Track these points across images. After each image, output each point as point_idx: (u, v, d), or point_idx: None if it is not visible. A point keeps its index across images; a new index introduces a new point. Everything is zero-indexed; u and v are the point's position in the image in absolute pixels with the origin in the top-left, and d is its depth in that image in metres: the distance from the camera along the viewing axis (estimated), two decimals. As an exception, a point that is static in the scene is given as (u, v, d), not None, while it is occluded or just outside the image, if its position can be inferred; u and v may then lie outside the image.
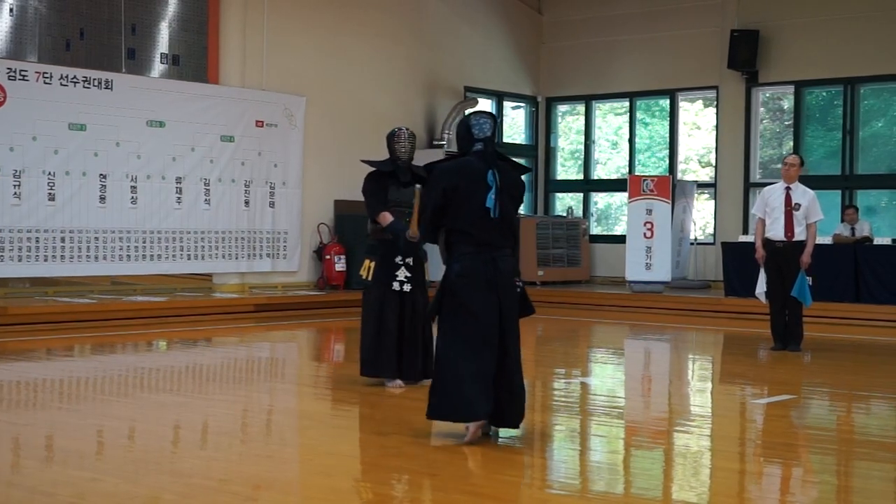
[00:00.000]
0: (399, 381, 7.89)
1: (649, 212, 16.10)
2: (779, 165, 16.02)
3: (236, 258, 14.43)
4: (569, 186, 19.58)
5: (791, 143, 17.00)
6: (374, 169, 8.13)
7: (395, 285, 7.89)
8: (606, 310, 15.31)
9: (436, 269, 7.46)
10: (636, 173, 17.88)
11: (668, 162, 18.38)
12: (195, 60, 14.38)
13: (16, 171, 12.28)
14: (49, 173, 12.54)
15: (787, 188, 10.56)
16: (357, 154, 15.21)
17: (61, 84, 12.60)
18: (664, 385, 9.32)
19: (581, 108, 19.39)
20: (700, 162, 18.75)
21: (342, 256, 15.12)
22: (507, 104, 19.17)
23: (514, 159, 6.43)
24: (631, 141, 18.74)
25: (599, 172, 19.42)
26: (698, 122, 18.70)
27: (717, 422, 7.36)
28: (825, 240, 13.84)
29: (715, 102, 17.77)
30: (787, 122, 17.48)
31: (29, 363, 9.53)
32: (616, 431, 6.77)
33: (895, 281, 13.82)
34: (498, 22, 18.62)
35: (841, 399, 8.27)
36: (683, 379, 9.86)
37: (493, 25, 18.54)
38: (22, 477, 5.33)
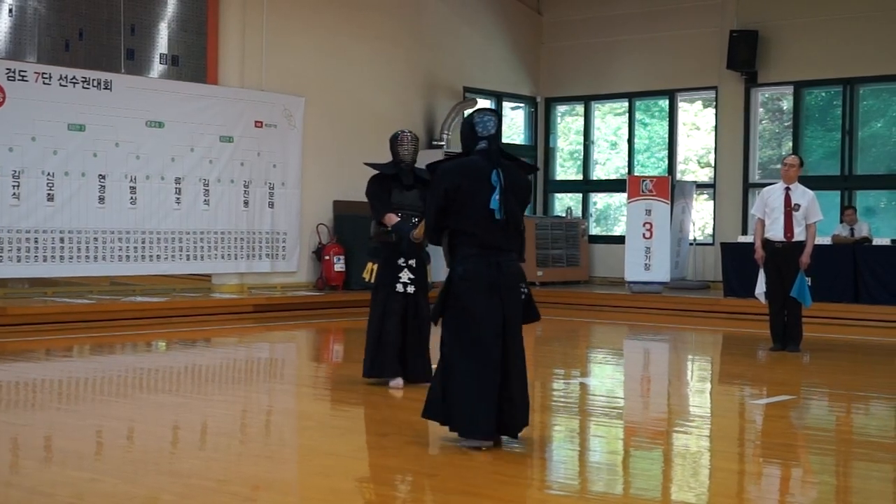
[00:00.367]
0: (400, 381, 7.90)
1: (648, 212, 16.10)
2: (778, 166, 16.02)
3: (235, 258, 14.43)
4: (568, 187, 19.58)
5: (790, 144, 17.00)
6: (377, 172, 8.12)
7: (399, 287, 7.88)
8: (605, 310, 15.31)
9: (438, 271, 7.47)
10: (635, 174, 17.88)
11: (667, 162, 18.38)
12: (194, 61, 14.38)
13: (15, 171, 12.27)
14: (48, 174, 12.54)
15: (787, 189, 10.56)
16: (356, 154, 15.27)
17: (60, 84, 12.59)
18: (663, 385, 9.32)
19: (580, 108, 19.39)
20: (699, 162, 18.75)
21: (341, 257, 15.12)
22: (507, 104, 19.17)
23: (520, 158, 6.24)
24: (630, 141, 18.74)
25: (598, 173, 19.42)
26: (697, 122, 18.71)
27: (716, 422, 7.36)
28: (824, 240, 13.84)
29: (714, 103, 17.77)
30: (786, 123, 17.48)
31: (28, 364, 9.53)
32: (615, 432, 6.78)
33: (894, 281, 13.83)
34: (497, 22, 18.62)
35: (840, 399, 8.28)
36: (682, 379, 9.86)
37: (493, 26, 18.55)
38: (21, 477, 5.33)
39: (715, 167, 17.80)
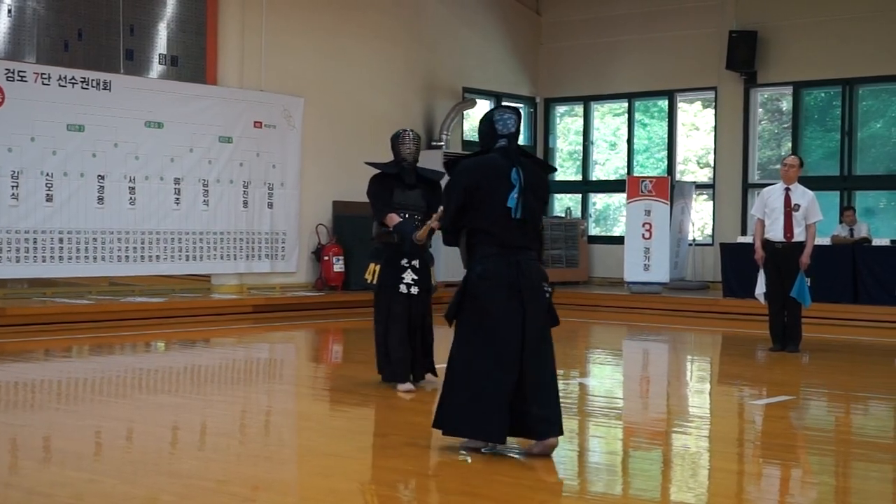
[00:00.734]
0: (409, 385, 7.79)
1: (648, 213, 16.10)
2: (777, 166, 16.02)
3: (234, 259, 14.42)
4: (567, 187, 19.58)
5: (789, 144, 17.00)
6: (378, 171, 8.02)
7: (402, 288, 7.76)
8: (604, 311, 15.31)
9: (440, 271, 7.46)
10: (635, 174, 17.89)
11: (666, 163, 18.39)
12: (193, 61, 14.37)
13: (14, 171, 12.26)
14: (47, 174, 12.53)
15: (787, 189, 10.56)
16: (355, 155, 15.26)
17: (60, 85, 12.59)
18: (662, 386, 9.32)
19: (579, 108, 19.39)
20: (698, 163, 18.75)
21: (340, 257, 15.11)
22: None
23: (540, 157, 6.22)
24: (629, 142, 18.74)
25: (598, 173, 19.42)
26: (697, 122, 18.71)
27: (716, 423, 7.36)
28: (823, 241, 13.84)
29: (713, 103, 17.77)
30: (785, 123, 17.48)
31: (27, 364, 9.52)
32: (614, 432, 6.77)
33: (893, 282, 13.83)
34: (496, 23, 18.62)
35: (839, 400, 8.27)
36: (682, 380, 9.86)
37: (492, 26, 18.54)
38: (20, 478, 5.33)
39: (714, 167, 17.81)
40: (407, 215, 7.80)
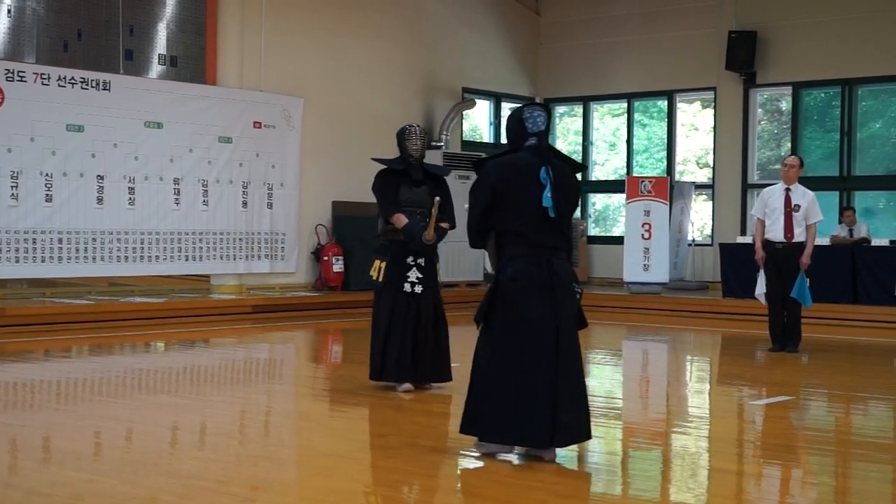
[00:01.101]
0: (408, 385, 7.70)
1: (647, 213, 16.10)
2: (777, 166, 16.04)
3: (234, 259, 14.42)
4: (567, 187, 19.54)
5: (789, 145, 17.01)
6: (384, 167, 7.90)
7: (407, 286, 7.65)
8: (604, 311, 15.30)
9: (445, 270, 7.41)
10: (634, 174, 17.89)
11: (665, 163, 18.39)
12: (193, 62, 14.37)
13: (13, 172, 12.26)
14: (46, 174, 12.53)
15: (787, 189, 10.56)
16: (355, 155, 15.28)
17: (59, 85, 12.59)
18: (662, 386, 9.32)
19: (579, 109, 19.40)
20: (698, 163, 18.76)
21: (340, 257, 15.11)
22: (505, 105, 19.17)
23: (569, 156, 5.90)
24: (629, 142, 18.75)
25: (597, 173, 19.42)
26: (696, 123, 18.71)
27: (715, 423, 7.36)
28: (823, 241, 13.84)
29: (713, 103, 17.78)
30: (784, 124, 17.49)
31: (26, 364, 9.52)
32: (614, 433, 6.77)
33: (892, 282, 13.84)
34: (496, 23, 18.62)
35: (839, 400, 8.28)
36: (681, 380, 9.86)
37: (491, 27, 18.55)
38: (19, 478, 5.33)
39: (714, 168, 17.81)
40: (415, 212, 7.68)
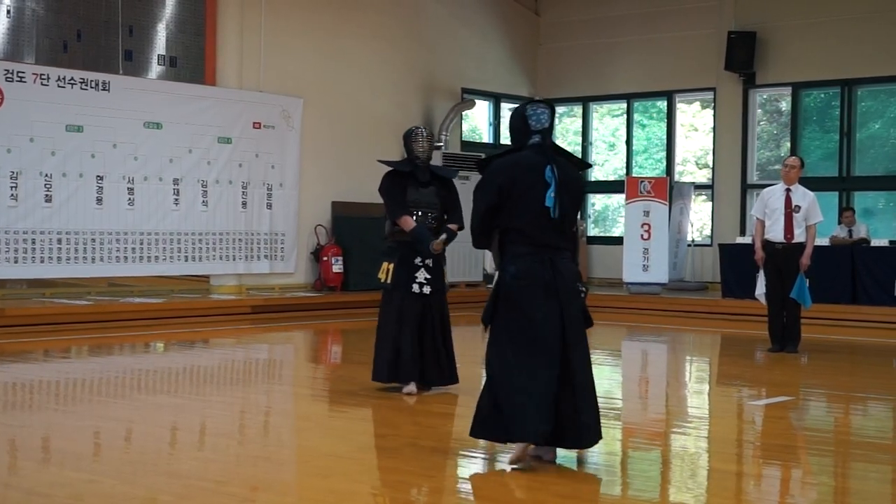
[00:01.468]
0: (413, 386, 7.66)
1: (647, 213, 16.10)
2: (776, 167, 16.05)
3: (234, 260, 14.42)
4: (566, 188, 19.55)
5: (788, 145, 17.01)
6: (391, 169, 7.86)
7: (415, 287, 7.62)
8: (603, 311, 15.27)
9: (449, 270, 7.38)
10: (633, 175, 17.89)
11: (665, 163, 18.39)
12: (192, 62, 14.37)
13: (13, 172, 12.26)
14: (46, 175, 12.53)
15: (788, 190, 10.56)
16: (354, 156, 15.28)
17: (58, 85, 12.58)
18: (661, 387, 9.32)
19: (578, 109, 19.40)
20: (697, 164, 18.76)
21: (339, 258, 15.11)
22: (504, 106, 19.18)
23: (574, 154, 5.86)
24: (628, 142, 18.75)
25: (597, 174, 19.42)
26: (696, 123, 18.72)
27: (715, 423, 7.36)
28: (822, 241, 13.84)
29: (712, 104, 17.78)
30: (784, 124, 17.49)
31: (26, 365, 9.52)
32: (613, 433, 6.77)
33: (892, 282, 13.84)
34: (495, 23, 18.62)
35: (838, 400, 8.28)
36: (681, 380, 9.86)
37: (490, 27, 18.55)
38: (19, 478, 5.32)
39: (713, 168, 17.81)
40: (422, 213, 7.66)
